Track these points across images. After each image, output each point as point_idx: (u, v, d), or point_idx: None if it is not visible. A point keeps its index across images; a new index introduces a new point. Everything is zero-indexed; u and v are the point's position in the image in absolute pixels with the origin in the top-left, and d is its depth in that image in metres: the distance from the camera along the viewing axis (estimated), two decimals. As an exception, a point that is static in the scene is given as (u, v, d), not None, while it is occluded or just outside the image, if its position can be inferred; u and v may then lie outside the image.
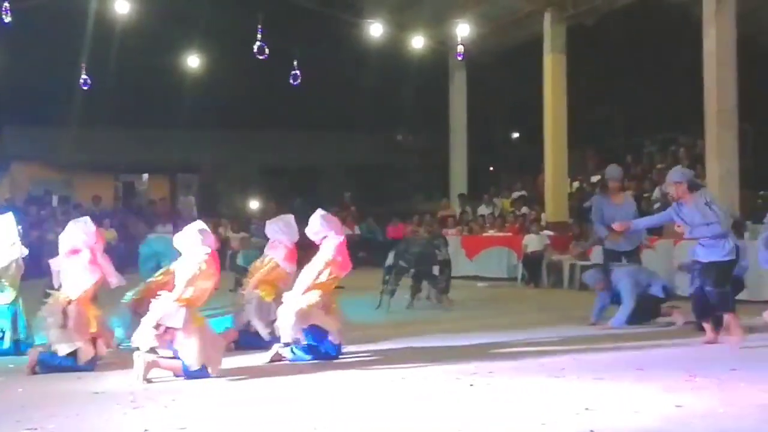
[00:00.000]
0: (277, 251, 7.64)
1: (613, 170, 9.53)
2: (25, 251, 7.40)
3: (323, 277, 6.70)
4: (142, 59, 20.08)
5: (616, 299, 8.52)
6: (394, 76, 20.33)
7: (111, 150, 22.57)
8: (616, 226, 8.05)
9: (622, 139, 19.41)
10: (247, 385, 5.80)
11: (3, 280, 7.20)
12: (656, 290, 8.45)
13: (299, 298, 6.65)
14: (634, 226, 8.25)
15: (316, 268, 6.72)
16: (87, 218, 6.85)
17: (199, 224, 6.31)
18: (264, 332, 7.26)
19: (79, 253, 6.49)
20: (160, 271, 7.25)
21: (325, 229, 6.87)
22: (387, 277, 10.36)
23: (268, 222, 7.97)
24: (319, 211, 7.00)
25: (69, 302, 6.34)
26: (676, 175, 7.43)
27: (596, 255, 10.98)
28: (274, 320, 6.90)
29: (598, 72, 19.62)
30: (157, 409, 5.09)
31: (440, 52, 19.05)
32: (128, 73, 19.93)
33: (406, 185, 25.68)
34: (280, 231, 7.69)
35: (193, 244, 6.11)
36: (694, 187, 7.30)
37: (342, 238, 6.89)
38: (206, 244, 6.12)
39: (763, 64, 16.58)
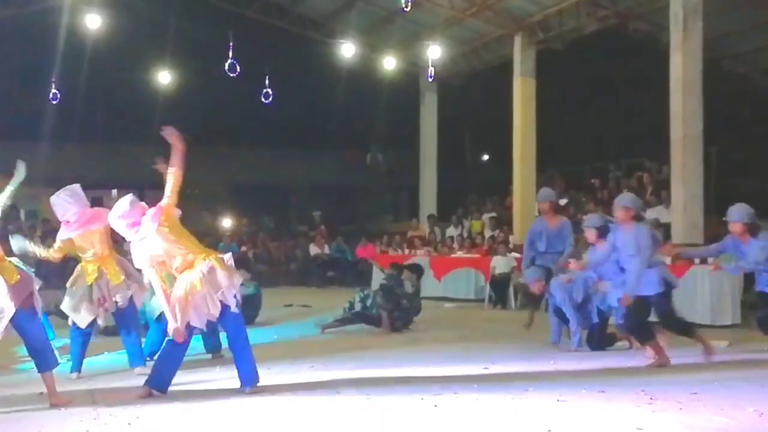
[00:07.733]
0: None
1: (542, 192, 9.50)
2: None
3: None
4: (113, 74, 20.01)
5: (559, 314, 8.58)
6: (366, 95, 20.44)
7: (79, 165, 22.34)
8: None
9: (588, 163, 19.62)
10: (210, 405, 5.76)
11: None
12: (601, 304, 8.46)
13: None
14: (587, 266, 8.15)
15: None
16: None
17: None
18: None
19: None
20: None
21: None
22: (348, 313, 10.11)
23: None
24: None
25: None
26: (627, 200, 7.56)
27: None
28: None
29: (567, 96, 19.86)
30: (120, 426, 5.03)
31: (411, 73, 19.24)
32: (98, 88, 19.84)
33: (375, 205, 25.72)
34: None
35: None
36: (639, 218, 7.49)
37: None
38: None
39: (727, 87, 16.89)
